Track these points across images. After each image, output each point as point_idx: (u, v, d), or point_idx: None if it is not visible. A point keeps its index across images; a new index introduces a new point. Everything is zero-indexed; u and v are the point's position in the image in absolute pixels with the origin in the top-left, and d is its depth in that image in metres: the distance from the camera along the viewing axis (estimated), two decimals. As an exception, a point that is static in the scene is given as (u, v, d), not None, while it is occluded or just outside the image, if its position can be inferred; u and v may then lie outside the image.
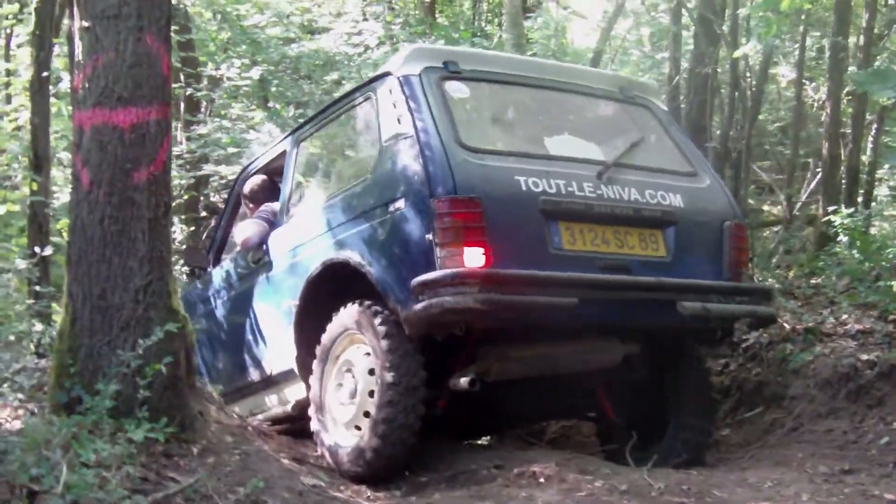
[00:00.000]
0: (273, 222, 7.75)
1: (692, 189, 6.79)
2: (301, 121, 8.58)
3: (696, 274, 6.53)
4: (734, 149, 9.82)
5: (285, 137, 8.12)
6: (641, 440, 6.84)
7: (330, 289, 6.78)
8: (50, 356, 6.11)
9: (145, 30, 5.41)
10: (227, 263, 8.37)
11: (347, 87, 12.90)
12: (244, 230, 7.94)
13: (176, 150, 15.23)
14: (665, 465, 6.41)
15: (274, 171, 8.21)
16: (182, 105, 16.08)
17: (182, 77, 15.62)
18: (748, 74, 9.99)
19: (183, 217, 15.47)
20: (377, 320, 6.23)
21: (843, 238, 8.70)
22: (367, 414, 6.26)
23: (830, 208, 9.74)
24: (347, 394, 6.46)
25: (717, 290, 6.51)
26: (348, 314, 6.50)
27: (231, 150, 14.31)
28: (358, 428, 6.32)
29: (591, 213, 6.30)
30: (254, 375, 7.73)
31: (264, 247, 7.68)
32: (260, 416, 7.58)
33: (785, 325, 8.14)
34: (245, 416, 7.17)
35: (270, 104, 15.70)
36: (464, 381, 6.23)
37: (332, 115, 7.41)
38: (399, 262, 6.18)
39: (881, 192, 13.54)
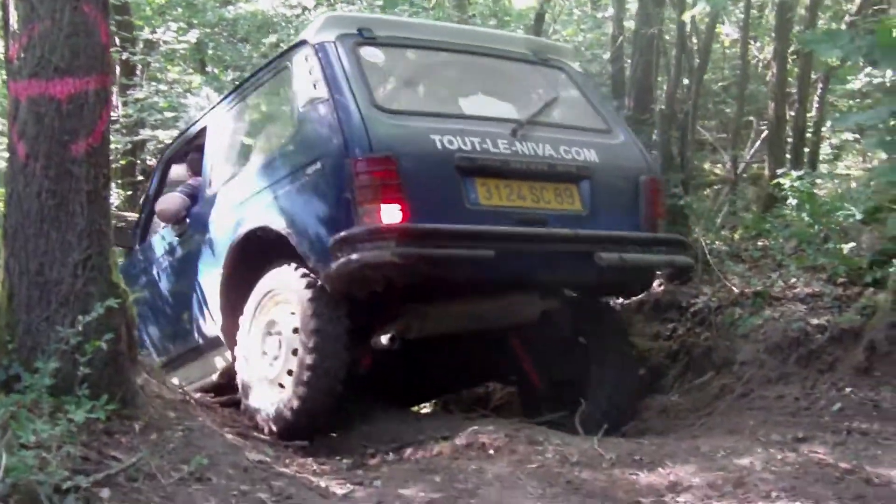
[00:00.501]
0: (195, 195, 7.86)
1: (606, 145, 6.93)
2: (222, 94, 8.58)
3: (612, 227, 6.65)
4: (680, 110, 9.73)
5: (205, 113, 8.28)
6: (562, 403, 7.05)
7: (253, 255, 6.85)
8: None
9: (82, -2, 5.22)
10: (155, 237, 8.48)
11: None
12: (163, 202, 8.10)
13: (112, 115, 14.84)
14: (588, 429, 6.50)
15: (199, 147, 8.27)
16: (118, 69, 15.82)
17: (118, 41, 15.32)
18: (694, 36, 9.88)
19: (120, 182, 15.31)
20: (300, 279, 6.35)
21: (791, 200, 8.65)
22: (290, 372, 6.35)
23: (779, 171, 9.71)
24: (272, 354, 6.56)
25: (633, 240, 6.64)
26: (272, 276, 6.64)
27: (168, 114, 14.13)
28: (281, 386, 6.42)
29: (507, 168, 6.43)
30: (184, 345, 7.82)
31: (187, 220, 7.84)
32: (191, 386, 7.54)
33: (733, 288, 8.12)
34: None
35: (208, 68, 15.47)
36: (384, 338, 6.43)
37: (251, 86, 7.55)
38: (318, 223, 6.30)
39: (825, 151, 13.59)
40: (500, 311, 6.77)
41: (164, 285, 8.23)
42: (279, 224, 6.55)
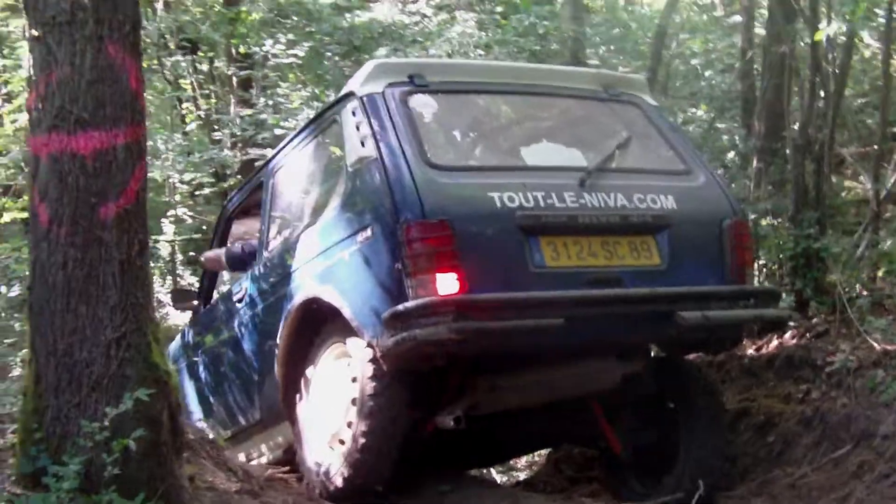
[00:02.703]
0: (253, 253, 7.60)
1: (685, 188, 6.46)
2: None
3: (695, 280, 6.23)
4: (815, 140, 8.81)
5: (260, 169, 7.91)
6: (648, 473, 6.79)
7: (311, 326, 6.50)
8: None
9: (106, 38, 4.56)
10: (219, 300, 8.15)
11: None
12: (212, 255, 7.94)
13: (230, 131, 15.04)
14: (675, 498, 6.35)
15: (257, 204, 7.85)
16: (234, 82, 15.68)
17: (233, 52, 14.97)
18: (830, 55, 8.93)
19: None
20: (364, 349, 5.95)
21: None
22: (342, 441, 6.04)
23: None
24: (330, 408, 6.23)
25: (717, 294, 6.25)
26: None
27: (278, 131, 13.65)
28: (342, 442, 6.07)
29: (575, 224, 6.00)
30: (249, 418, 7.40)
31: (244, 284, 7.45)
32: (260, 462, 7.19)
33: (875, 345, 7.17)
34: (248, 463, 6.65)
35: (308, 88, 14.98)
36: (448, 419, 6.05)
37: (303, 142, 7.11)
38: (372, 295, 5.89)
39: None
40: (576, 379, 6.35)
41: (227, 353, 7.76)
42: (331, 296, 6.14)
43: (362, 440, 5.83)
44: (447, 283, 5.56)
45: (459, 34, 13.22)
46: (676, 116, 14.62)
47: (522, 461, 10.82)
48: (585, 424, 6.93)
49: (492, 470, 11.53)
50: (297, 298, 6.50)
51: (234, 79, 15.97)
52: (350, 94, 6.38)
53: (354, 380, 6.00)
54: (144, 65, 15.16)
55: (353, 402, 5.97)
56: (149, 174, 12.89)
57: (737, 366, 8.15)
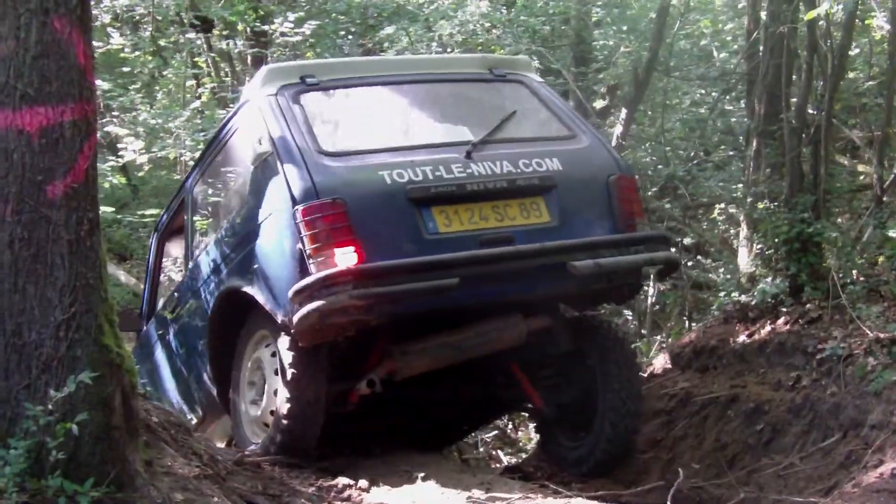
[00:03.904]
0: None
1: (570, 151, 6.87)
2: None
3: (586, 233, 6.60)
4: (813, 122, 8.61)
5: (180, 189, 8.34)
6: (576, 428, 7.19)
7: (233, 318, 6.90)
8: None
9: (51, 11, 4.41)
10: (156, 318, 8.62)
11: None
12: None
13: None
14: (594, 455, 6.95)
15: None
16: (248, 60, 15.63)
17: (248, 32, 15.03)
18: (829, 37, 8.68)
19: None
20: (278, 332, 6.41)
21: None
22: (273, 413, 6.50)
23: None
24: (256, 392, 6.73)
25: (605, 244, 6.57)
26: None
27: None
28: (266, 426, 6.59)
29: (464, 192, 6.40)
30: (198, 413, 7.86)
31: (175, 295, 8.01)
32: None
33: (867, 332, 6.99)
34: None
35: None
36: (363, 384, 6.52)
37: (212, 155, 7.59)
38: (279, 278, 6.30)
39: None
40: (481, 338, 6.68)
41: (170, 363, 8.26)
42: (246, 285, 6.60)
43: (287, 405, 6.26)
44: (345, 257, 5.98)
45: (472, 14, 13.09)
46: (681, 98, 14.50)
47: (532, 444, 10.85)
48: (509, 387, 7.35)
49: (499, 452, 11.57)
50: (218, 293, 6.94)
51: (249, 57, 15.86)
52: (246, 101, 6.95)
53: (274, 355, 6.47)
54: (161, 43, 15.15)
55: (276, 372, 6.44)
56: (161, 152, 13.00)
57: (728, 351, 8.09)
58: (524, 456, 11.09)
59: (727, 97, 14.35)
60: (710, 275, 13.13)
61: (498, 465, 11.57)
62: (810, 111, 9.09)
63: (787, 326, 7.78)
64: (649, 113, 15.10)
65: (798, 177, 8.41)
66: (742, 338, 8.03)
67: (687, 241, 13.51)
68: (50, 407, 4.39)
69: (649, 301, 12.35)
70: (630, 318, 12.85)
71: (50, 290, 4.50)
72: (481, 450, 11.70)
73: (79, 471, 4.45)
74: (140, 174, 15.22)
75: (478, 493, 5.74)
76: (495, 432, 11.63)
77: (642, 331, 12.53)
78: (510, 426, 11.73)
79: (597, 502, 5.91)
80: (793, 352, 7.53)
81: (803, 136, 8.53)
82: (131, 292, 13.42)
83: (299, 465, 6.40)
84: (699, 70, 14.88)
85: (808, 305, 7.73)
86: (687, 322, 11.85)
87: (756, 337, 7.92)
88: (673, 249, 8.11)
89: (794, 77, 9.60)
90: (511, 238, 6.38)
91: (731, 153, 14.50)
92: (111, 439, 4.60)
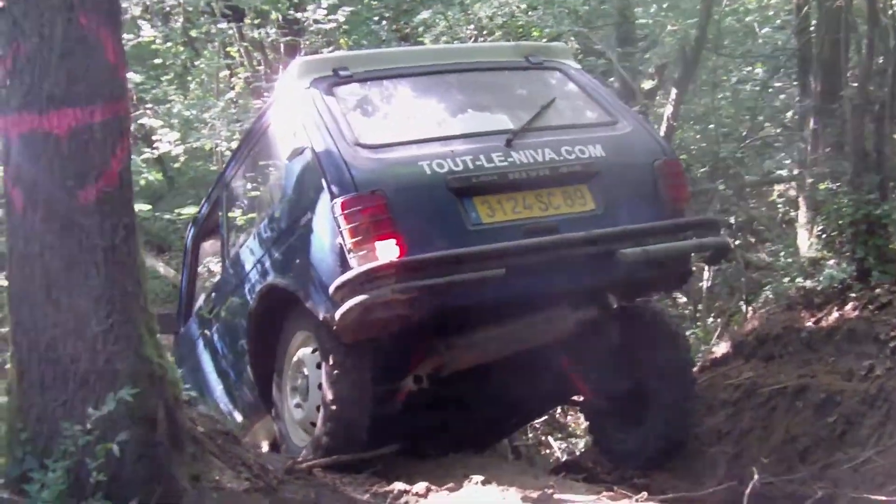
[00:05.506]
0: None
1: (613, 137, 6.76)
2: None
3: (632, 220, 6.47)
4: (875, 98, 8.36)
5: (214, 187, 8.30)
6: (627, 422, 7.05)
7: (274, 316, 6.77)
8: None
9: (77, 7, 4.23)
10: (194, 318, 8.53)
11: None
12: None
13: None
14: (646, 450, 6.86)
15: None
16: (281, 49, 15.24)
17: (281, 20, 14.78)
18: (891, 8, 8.44)
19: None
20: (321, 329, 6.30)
21: None
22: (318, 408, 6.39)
23: None
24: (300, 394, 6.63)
25: (654, 230, 6.45)
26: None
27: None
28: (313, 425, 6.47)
29: (505, 181, 6.30)
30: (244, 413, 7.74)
31: (213, 294, 7.92)
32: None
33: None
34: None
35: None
36: (409, 380, 6.53)
37: (245, 149, 7.59)
38: (320, 274, 6.20)
39: None
40: (529, 330, 6.60)
41: (213, 362, 8.09)
42: (285, 282, 6.54)
43: (331, 407, 6.13)
44: (387, 250, 5.86)
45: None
46: (729, 76, 14.17)
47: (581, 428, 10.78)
48: (558, 381, 7.19)
49: (549, 438, 11.39)
50: (257, 290, 6.82)
51: (282, 45, 15.74)
52: (279, 95, 6.95)
53: (316, 352, 6.35)
54: (193, 34, 15.04)
55: (319, 366, 6.32)
56: (196, 143, 12.89)
57: (794, 339, 7.81)
58: (573, 441, 10.92)
59: (776, 74, 14.05)
60: (761, 255, 12.88)
61: (548, 451, 11.46)
62: (871, 87, 8.80)
63: (856, 312, 7.57)
64: (699, 91, 14.81)
65: (861, 156, 8.24)
66: (808, 325, 7.80)
67: (739, 220, 13.24)
68: (89, 426, 4.21)
69: (705, 285, 12.07)
70: (686, 300, 12.60)
71: (85, 301, 4.33)
72: (531, 436, 11.59)
73: (122, 490, 4.29)
74: (176, 165, 15.09)
75: (540, 498, 5.49)
76: (545, 417, 11.40)
77: (697, 314, 12.27)
78: (559, 411, 11.50)
79: (668, 506, 5.67)
80: (864, 339, 7.31)
81: (865, 113, 8.27)
82: (172, 284, 13.32)
83: (353, 470, 6.19)
84: (745, 46, 14.57)
85: (877, 290, 7.54)
86: (744, 305, 11.55)
87: (823, 324, 7.70)
88: (723, 232, 7.88)
89: (851, 52, 9.37)
90: (555, 227, 6.27)
91: (777, 131, 14.25)
92: (155, 456, 4.44)
